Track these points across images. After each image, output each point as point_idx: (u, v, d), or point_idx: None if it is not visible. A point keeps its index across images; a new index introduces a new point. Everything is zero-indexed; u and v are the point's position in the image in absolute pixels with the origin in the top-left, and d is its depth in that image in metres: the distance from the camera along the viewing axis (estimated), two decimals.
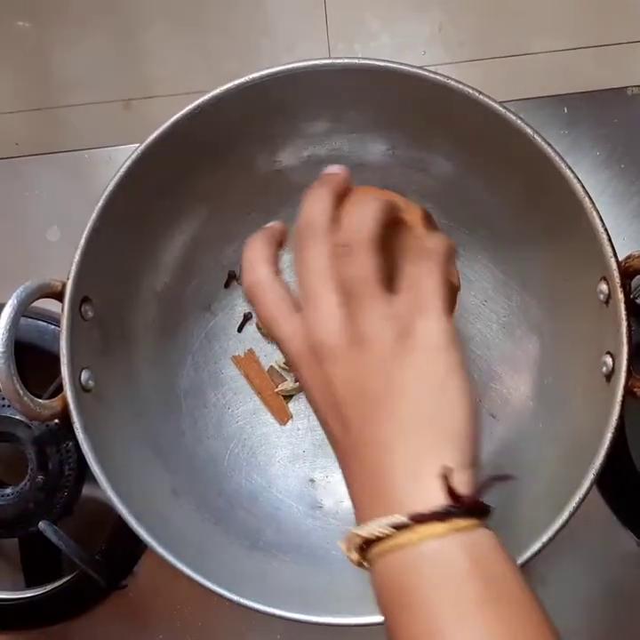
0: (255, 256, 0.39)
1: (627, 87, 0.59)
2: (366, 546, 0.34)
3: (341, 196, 0.39)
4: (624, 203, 0.58)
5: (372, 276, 0.35)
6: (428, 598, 0.32)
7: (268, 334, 0.40)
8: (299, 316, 0.36)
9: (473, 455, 0.34)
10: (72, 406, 0.46)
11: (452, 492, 0.33)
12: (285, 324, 0.37)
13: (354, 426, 0.35)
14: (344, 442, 0.36)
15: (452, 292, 0.39)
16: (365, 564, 0.35)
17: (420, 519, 0.32)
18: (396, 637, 0.33)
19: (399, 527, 0.32)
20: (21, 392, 0.44)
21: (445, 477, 0.33)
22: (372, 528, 0.33)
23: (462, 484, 0.33)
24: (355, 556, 0.35)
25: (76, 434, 0.46)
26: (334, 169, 0.40)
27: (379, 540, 0.33)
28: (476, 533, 0.33)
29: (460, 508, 0.32)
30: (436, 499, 0.33)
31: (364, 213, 0.37)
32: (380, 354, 0.35)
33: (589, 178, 0.58)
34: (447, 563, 0.32)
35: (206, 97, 0.47)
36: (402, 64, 0.45)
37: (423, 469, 0.33)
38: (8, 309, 0.44)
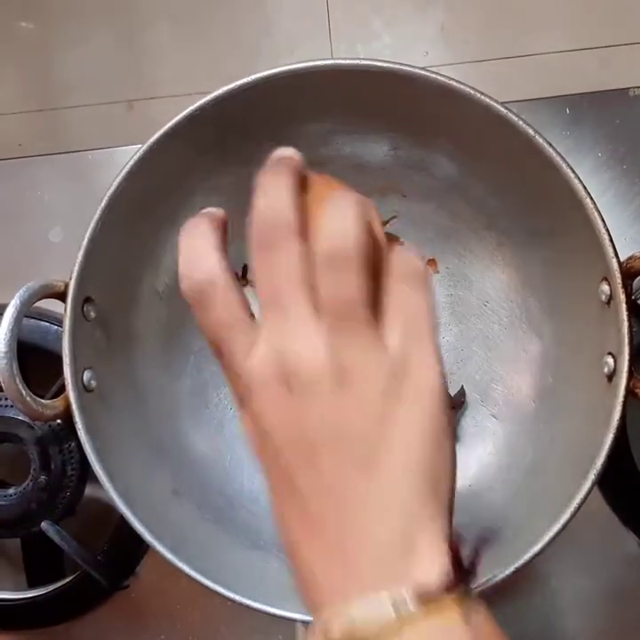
0: (202, 243, 0.31)
1: (629, 88, 0.59)
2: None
3: (300, 187, 0.31)
4: (626, 203, 0.58)
5: (362, 298, 0.28)
6: None
7: (212, 347, 0.31)
8: (261, 330, 0.29)
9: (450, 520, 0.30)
10: (74, 406, 0.46)
11: (457, 564, 0.28)
12: (241, 338, 0.30)
13: (329, 475, 0.29)
14: (307, 491, 0.29)
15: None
16: None
17: (426, 597, 0.27)
18: None
19: (398, 605, 0.27)
20: (24, 392, 0.44)
21: (451, 546, 0.28)
22: (366, 606, 0.27)
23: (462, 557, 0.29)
24: None
25: (79, 434, 0.46)
26: (288, 152, 0.32)
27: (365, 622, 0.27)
28: (477, 607, 0.28)
29: (459, 582, 0.28)
30: (440, 576, 0.27)
31: (348, 217, 0.29)
32: (368, 396, 0.28)
33: (591, 179, 0.58)
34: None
35: (208, 98, 0.47)
36: (404, 65, 0.45)
37: (421, 541, 0.28)
38: (11, 310, 0.44)
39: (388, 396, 0.28)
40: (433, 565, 0.27)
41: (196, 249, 0.31)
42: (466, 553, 0.29)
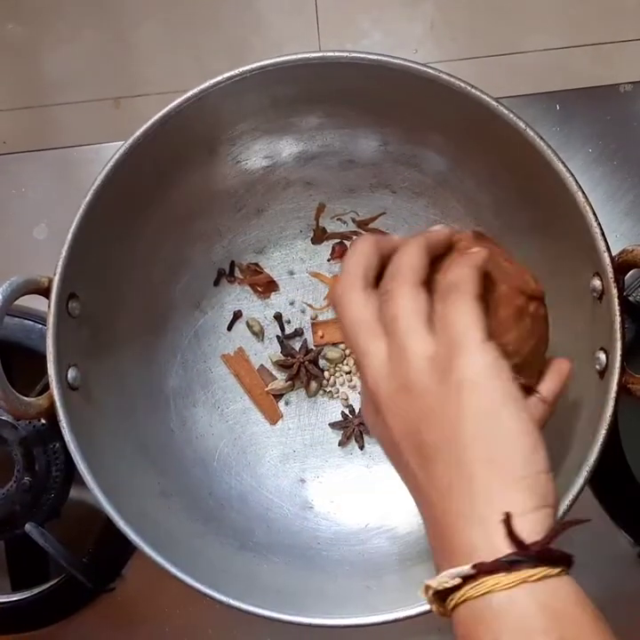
0: (356, 271, 0.37)
1: (619, 84, 0.58)
2: (444, 595, 0.32)
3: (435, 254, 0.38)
4: (617, 199, 0.58)
5: (403, 315, 0.34)
6: None
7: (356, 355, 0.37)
8: (387, 343, 0.35)
9: (543, 494, 0.32)
10: (58, 404, 0.45)
11: (515, 539, 0.30)
12: (374, 355, 0.35)
13: (416, 474, 0.34)
14: (413, 486, 0.35)
15: (505, 298, 0.38)
16: (449, 613, 0.32)
17: (484, 569, 0.30)
18: None
19: (466, 578, 0.31)
20: (7, 389, 0.43)
21: (507, 523, 0.31)
22: (441, 579, 0.31)
23: (530, 529, 0.31)
24: (434, 607, 0.33)
25: (63, 432, 0.45)
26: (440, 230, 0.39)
27: (451, 590, 0.31)
28: (552, 583, 0.30)
29: (528, 555, 0.30)
30: (502, 547, 0.30)
31: (403, 254, 0.36)
32: (426, 398, 0.33)
33: (582, 175, 0.57)
34: (518, 617, 0.30)
35: (195, 90, 0.46)
36: (393, 57, 0.45)
37: (488, 516, 0.31)
38: None
39: (440, 396, 0.33)
40: (491, 541, 0.31)
41: (350, 262, 0.37)
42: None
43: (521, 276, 0.39)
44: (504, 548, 0.30)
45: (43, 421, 0.55)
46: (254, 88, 0.48)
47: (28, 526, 0.55)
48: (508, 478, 0.32)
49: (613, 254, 0.43)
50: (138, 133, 0.46)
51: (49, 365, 0.45)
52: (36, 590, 0.58)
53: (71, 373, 0.47)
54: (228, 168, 0.54)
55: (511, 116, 0.44)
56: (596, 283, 0.44)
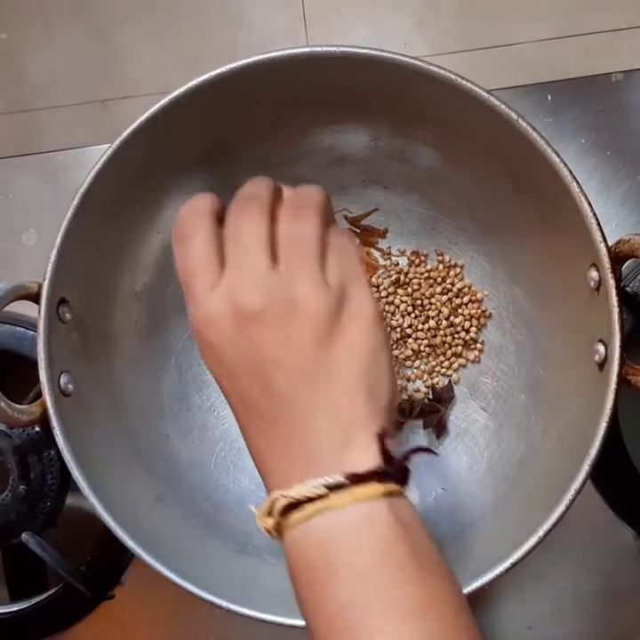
0: (203, 205, 0.37)
1: (611, 73, 0.58)
2: (287, 511, 0.33)
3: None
4: (611, 190, 0.57)
5: (315, 238, 0.35)
6: (352, 565, 0.32)
7: (182, 282, 0.36)
8: (224, 273, 0.34)
9: (394, 422, 0.36)
10: (51, 411, 0.44)
11: (386, 454, 0.33)
12: (207, 276, 0.34)
13: (280, 390, 0.34)
14: (263, 405, 0.34)
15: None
16: (277, 532, 0.34)
17: (356, 479, 0.32)
18: (311, 612, 0.33)
19: (333, 488, 0.32)
20: None
21: (382, 438, 0.33)
22: (304, 489, 0.33)
23: (393, 450, 0.34)
24: (271, 521, 0.34)
25: (56, 439, 0.45)
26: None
27: (304, 503, 0.33)
28: (403, 499, 0.34)
29: (393, 469, 0.33)
30: (371, 462, 0.33)
31: (313, 189, 0.37)
32: (314, 322, 0.34)
33: (575, 166, 0.56)
34: (376, 526, 0.32)
35: (182, 89, 0.45)
36: (382, 51, 0.44)
37: (356, 435, 0.33)
38: None
39: (328, 323, 0.34)
40: (365, 455, 0.33)
41: (196, 208, 0.37)
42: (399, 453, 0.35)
43: None
44: (373, 463, 0.33)
45: (37, 429, 0.54)
46: (241, 86, 0.47)
47: (24, 536, 0.54)
48: (378, 408, 0.34)
49: (610, 245, 0.43)
50: (124, 135, 0.46)
51: (40, 372, 0.44)
52: (34, 600, 0.58)
53: (63, 379, 0.46)
54: (215, 169, 0.53)
55: (503, 107, 0.44)
56: (594, 274, 0.43)
